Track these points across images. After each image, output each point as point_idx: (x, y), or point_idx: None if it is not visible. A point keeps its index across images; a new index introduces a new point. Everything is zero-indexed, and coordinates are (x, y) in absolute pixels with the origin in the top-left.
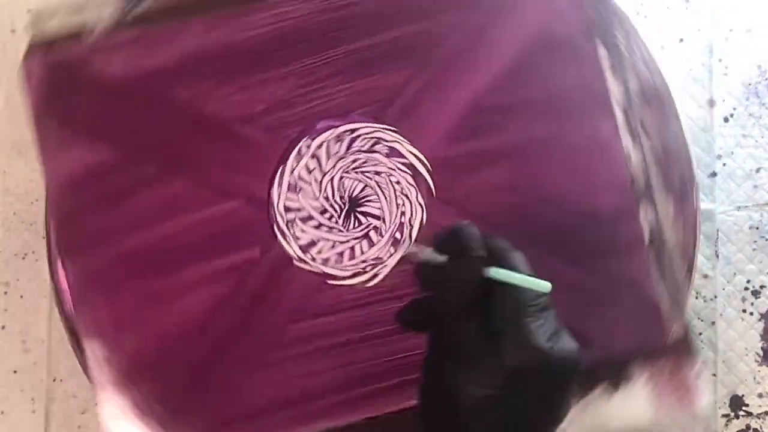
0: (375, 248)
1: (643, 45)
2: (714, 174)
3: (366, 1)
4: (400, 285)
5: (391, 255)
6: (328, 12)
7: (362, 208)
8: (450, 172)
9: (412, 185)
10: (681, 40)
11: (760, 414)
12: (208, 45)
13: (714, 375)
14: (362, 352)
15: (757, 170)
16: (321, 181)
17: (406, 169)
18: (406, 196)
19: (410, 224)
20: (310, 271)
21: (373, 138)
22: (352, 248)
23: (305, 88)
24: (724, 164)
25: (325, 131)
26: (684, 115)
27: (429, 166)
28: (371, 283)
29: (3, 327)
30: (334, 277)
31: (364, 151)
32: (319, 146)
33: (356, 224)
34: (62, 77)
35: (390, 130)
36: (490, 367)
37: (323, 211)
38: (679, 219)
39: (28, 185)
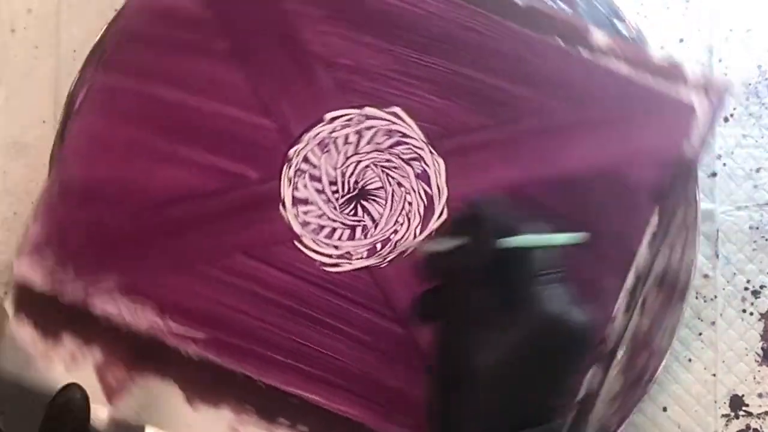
0: (352, 243)
1: (694, 232)
2: (714, 174)
3: (496, 41)
4: (351, 287)
5: (361, 258)
6: (458, 27)
7: (366, 203)
8: None
9: (419, 214)
10: (681, 40)
11: (760, 414)
12: None
13: (714, 375)
14: (280, 318)
15: (757, 170)
16: (349, 157)
17: (424, 198)
18: (409, 219)
19: (394, 244)
20: (287, 223)
21: (416, 153)
22: (334, 229)
23: (394, 73)
24: (724, 164)
25: (382, 119)
26: None
27: (444, 209)
28: (331, 270)
29: None
30: (303, 243)
31: (402, 159)
32: (369, 128)
33: (352, 212)
34: None
35: (435, 156)
36: (503, 333)
37: (332, 182)
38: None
39: (28, 185)
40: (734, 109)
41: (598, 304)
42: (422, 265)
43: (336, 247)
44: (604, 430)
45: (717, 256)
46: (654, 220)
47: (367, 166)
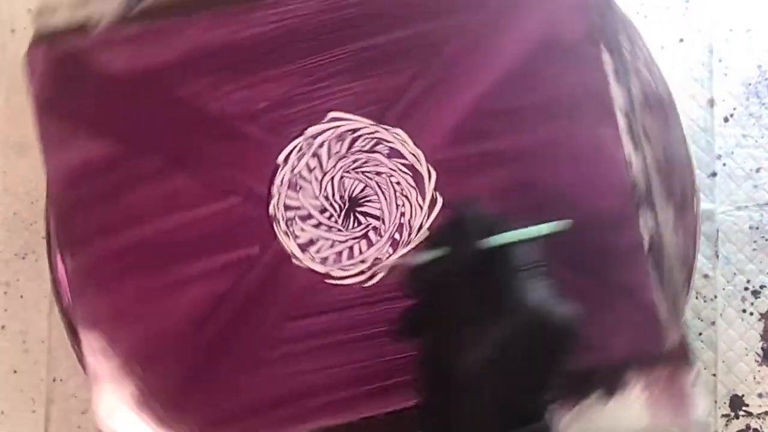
0: (374, 248)
1: (647, 50)
2: (714, 174)
3: (370, 2)
4: (398, 285)
5: (390, 255)
6: (331, 11)
7: (362, 208)
8: (451, 174)
9: (412, 186)
10: (681, 40)
11: (760, 414)
12: (212, 41)
13: (714, 375)
14: (359, 352)
15: (757, 170)
16: (321, 180)
17: (407, 170)
18: (406, 197)
19: (410, 225)
20: (308, 270)
21: (374, 138)
22: (351, 248)
23: (307, 87)
24: (724, 164)
25: (326, 131)
26: (684, 115)
27: (430, 168)
28: (369, 283)
29: (3, 327)
30: (332, 276)
31: (365, 151)
32: (321, 145)
33: (355, 224)
34: (65, 70)
35: (391, 130)
36: (491, 329)
37: (323, 210)
38: (679, 226)
39: (28, 185)
40: (734, 109)
41: (608, 159)
42: (405, 281)
43: (363, 261)
44: None
45: (717, 256)
46: (606, 57)
47: (342, 178)
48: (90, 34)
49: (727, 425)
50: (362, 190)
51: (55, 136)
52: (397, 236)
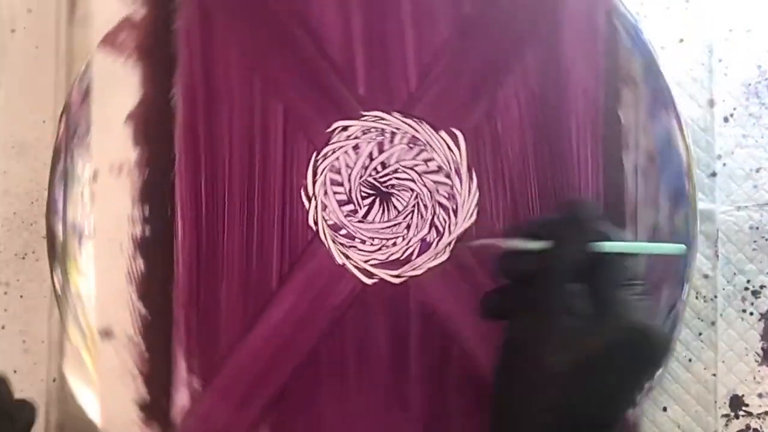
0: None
1: None
2: (714, 174)
3: None
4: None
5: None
6: None
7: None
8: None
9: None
10: (681, 40)
11: (760, 414)
12: None
13: (714, 375)
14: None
15: (757, 170)
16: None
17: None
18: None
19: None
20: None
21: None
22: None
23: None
24: (724, 164)
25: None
26: (684, 115)
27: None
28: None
29: (3, 327)
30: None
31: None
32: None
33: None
34: None
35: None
36: (587, 336)
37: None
38: None
39: (28, 185)
40: (734, 109)
41: None
42: (500, 262)
43: (325, 193)
44: None
45: (717, 256)
46: None
47: (412, 190)
48: None
49: (727, 425)
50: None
51: None
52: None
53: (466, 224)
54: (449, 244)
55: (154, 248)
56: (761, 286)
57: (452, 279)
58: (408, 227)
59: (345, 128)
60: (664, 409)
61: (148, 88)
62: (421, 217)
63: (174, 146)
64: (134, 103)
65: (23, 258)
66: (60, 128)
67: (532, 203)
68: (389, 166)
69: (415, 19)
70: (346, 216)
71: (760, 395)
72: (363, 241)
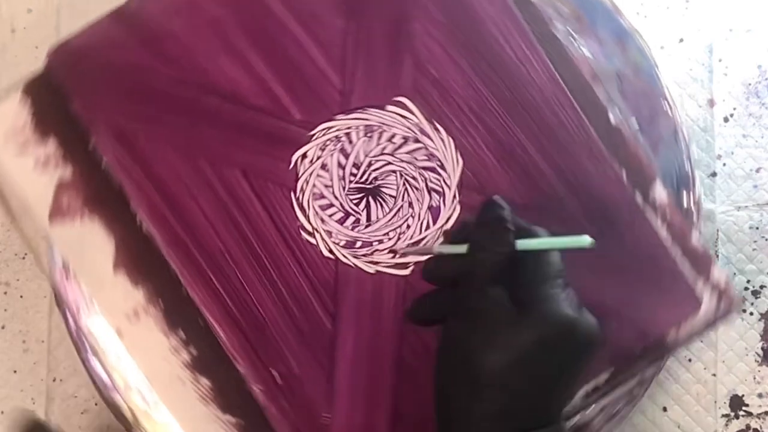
0: (338, 226)
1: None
2: (714, 174)
3: (577, 143)
4: (310, 259)
5: (336, 244)
6: (550, 109)
7: (372, 201)
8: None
9: (410, 239)
10: (681, 40)
11: (760, 414)
12: None
13: (714, 375)
14: (236, 248)
15: (757, 170)
16: (383, 154)
17: (422, 229)
18: (399, 237)
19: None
20: (295, 172)
21: (441, 189)
22: (331, 204)
23: (468, 109)
24: (724, 164)
25: (429, 140)
26: (684, 115)
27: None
28: (303, 235)
29: (3, 327)
30: (297, 199)
31: (427, 185)
32: (417, 141)
33: (356, 201)
34: None
35: (457, 202)
36: (517, 333)
37: (356, 165)
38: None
39: None
40: (734, 109)
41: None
42: (428, 267)
43: (323, 221)
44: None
45: (717, 256)
46: (603, 377)
47: (394, 171)
48: None
49: (727, 425)
50: (389, 195)
51: None
52: (358, 244)
53: (458, 170)
54: (454, 196)
55: (208, 361)
56: (761, 286)
57: None
58: (410, 205)
59: (304, 156)
60: (664, 409)
61: (116, 230)
62: (416, 189)
63: (170, 265)
64: (113, 250)
65: (23, 258)
66: (69, 326)
67: (502, 119)
68: (362, 164)
69: (306, 28)
70: (352, 229)
71: (760, 395)
72: (380, 241)
